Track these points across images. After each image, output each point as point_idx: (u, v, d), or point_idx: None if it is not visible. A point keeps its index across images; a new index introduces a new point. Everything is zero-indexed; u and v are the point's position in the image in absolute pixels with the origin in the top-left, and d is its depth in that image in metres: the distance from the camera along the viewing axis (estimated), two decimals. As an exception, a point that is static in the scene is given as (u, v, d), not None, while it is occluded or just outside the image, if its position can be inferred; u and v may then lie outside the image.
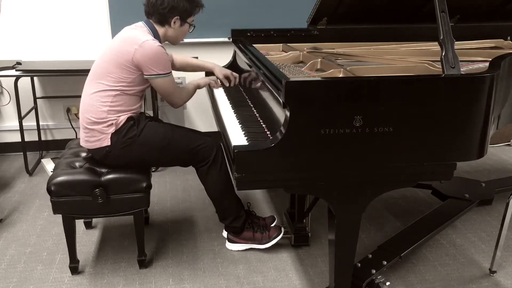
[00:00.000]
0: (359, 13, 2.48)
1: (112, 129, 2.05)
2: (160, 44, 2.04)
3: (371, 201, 1.67)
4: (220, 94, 2.41)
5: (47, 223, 2.59)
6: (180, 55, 2.55)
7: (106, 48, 2.10)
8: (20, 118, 3.10)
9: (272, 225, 2.39)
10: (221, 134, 2.00)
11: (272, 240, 2.30)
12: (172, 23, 2.12)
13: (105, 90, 2.04)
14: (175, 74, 2.49)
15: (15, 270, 2.19)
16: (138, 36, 2.04)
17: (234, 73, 2.45)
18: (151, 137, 2.10)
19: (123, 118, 2.07)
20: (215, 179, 2.15)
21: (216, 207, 2.26)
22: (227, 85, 2.43)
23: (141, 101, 2.17)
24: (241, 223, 2.27)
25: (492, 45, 2.65)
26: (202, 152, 2.12)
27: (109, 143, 2.06)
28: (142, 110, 2.23)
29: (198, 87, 2.34)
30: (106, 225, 2.56)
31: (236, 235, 2.31)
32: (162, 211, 2.73)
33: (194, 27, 2.23)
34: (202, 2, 2.19)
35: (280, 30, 2.67)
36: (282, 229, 2.33)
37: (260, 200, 2.85)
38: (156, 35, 2.12)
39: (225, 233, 2.38)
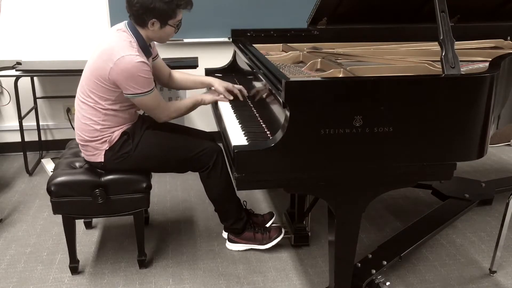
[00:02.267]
0: (359, 13, 2.48)
1: (105, 146, 2.02)
2: (140, 60, 1.86)
3: (371, 201, 1.68)
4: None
5: (47, 223, 2.59)
6: (179, 71, 2.38)
7: (91, 58, 1.98)
8: (20, 118, 3.10)
9: (271, 221, 2.38)
10: (221, 134, 2.00)
11: (272, 241, 2.29)
12: (150, 25, 1.93)
13: (95, 108, 1.97)
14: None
15: (15, 270, 2.19)
16: (115, 49, 1.87)
17: (237, 86, 2.26)
18: (147, 149, 2.05)
19: (117, 134, 2.03)
20: (215, 183, 2.13)
21: (217, 209, 2.26)
22: (230, 98, 2.21)
23: (138, 110, 2.11)
24: (242, 224, 2.27)
25: (492, 45, 2.66)
26: (201, 159, 2.08)
27: (102, 160, 2.03)
28: (141, 113, 2.20)
29: (202, 103, 2.18)
30: (106, 225, 2.56)
31: (236, 235, 2.31)
32: (162, 211, 2.73)
33: (178, 28, 2.02)
34: (184, 1, 1.94)
35: (280, 30, 2.67)
36: (283, 230, 2.33)
37: (260, 200, 2.85)
38: (138, 36, 1.96)
39: (225, 234, 2.37)
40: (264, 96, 1.94)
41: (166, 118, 2.08)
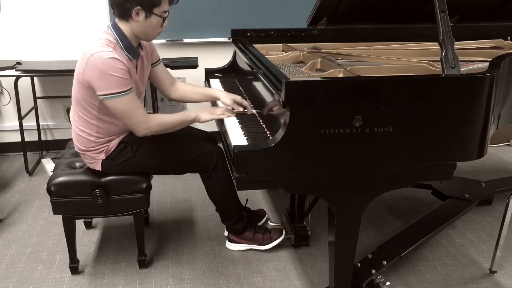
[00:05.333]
0: (359, 13, 2.48)
1: (102, 156, 2.00)
2: (111, 56, 1.76)
3: (371, 201, 1.68)
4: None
5: (47, 223, 2.59)
6: (185, 83, 2.26)
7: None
8: (20, 118, 3.10)
9: (264, 219, 2.42)
10: (221, 134, 1.99)
11: (272, 241, 2.29)
12: (134, 15, 1.82)
13: (86, 120, 1.93)
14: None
15: (15, 270, 2.19)
16: (88, 50, 1.80)
17: (244, 101, 2.06)
18: (147, 156, 2.03)
19: (114, 143, 2.01)
20: (216, 184, 2.13)
21: (218, 210, 2.25)
22: (240, 110, 2.02)
23: None
24: (243, 225, 2.27)
25: (492, 45, 2.65)
26: (202, 162, 2.07)
27: (100, 169, 2.02)
28: None
29: (196, 120, 2.00)
30: (106, 225, 2.56)
31: (237, 235, 2.31)
32: (162, 211, 2.73)
33: (164, 21, 1.90)
34: None
35: (280, 30, 2.67)
36: (284, 232, 2.33)
37: (260, 200, 2.85)
38: (121, 36, 1.86)
39: (226, 232, 2.38)
40: (261, 91, 1.93)
41: (146, 131, 1.90)
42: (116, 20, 1.90)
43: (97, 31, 3.36)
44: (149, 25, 1.87)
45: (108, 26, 1.91)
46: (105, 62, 1.76)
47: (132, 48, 1.90)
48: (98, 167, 2.03)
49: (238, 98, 2.05)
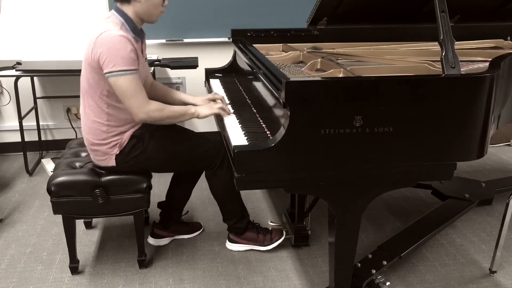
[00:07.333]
0: (359, 13, 2.48)
1: (116, 150, 2.00)
2: (119, 33, 1.80)
3: (371, 201, 1.67)
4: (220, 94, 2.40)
5: (47, 223, 2.59)
6: (161, 84, 2.27)
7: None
8: (20, 118, 3.10)
9: (198, 232, 2.47)
10: (221, 134, 1.99)
11: (273, 243, 2.30)
12: None
13: (95, 107, 1.94)
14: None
15: (15, 270, 2.19)
16: (98, 30, 1.84)
17: (217, 96, 2.17)
18: (157, 151, 2.04)
19: (126, 136, 2.01)
20: (220, 181, 2.13)
21: (221, 208, 2.26)
22: (228, 113, 2.06)
23: None
24: (245, 224, 2.28)
25: (492, 45, 2.65)
26: (209, 157, 2.08)
27: (114, 164, 2.02)
28: None
29: (196, 116, 2.01)
30: (106, 225, 2.56)
31: (238, 235, 2.31)
32: (162, 211, 2.73)
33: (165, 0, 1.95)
34: None
35: (280, 30, 2.67)
36: (284, 233, 2.33)
37: (260, 200, 2.85)
38: (127, 20, 1.90)
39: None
40: (261, 91, 1.93)
41: (144, 115, 1.89)
42: (118, 5, 1.93)
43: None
44: (152, 4, 1.91)
45: (111, 12, 1.94)
46: (114, 39, 1.80)
47: (137, 29, 1.95)
48: (112, 163, 2.02)
49: (209, 96, 2.17)
